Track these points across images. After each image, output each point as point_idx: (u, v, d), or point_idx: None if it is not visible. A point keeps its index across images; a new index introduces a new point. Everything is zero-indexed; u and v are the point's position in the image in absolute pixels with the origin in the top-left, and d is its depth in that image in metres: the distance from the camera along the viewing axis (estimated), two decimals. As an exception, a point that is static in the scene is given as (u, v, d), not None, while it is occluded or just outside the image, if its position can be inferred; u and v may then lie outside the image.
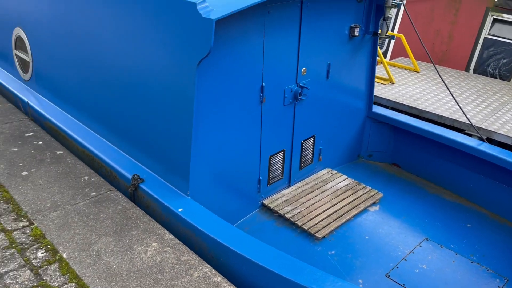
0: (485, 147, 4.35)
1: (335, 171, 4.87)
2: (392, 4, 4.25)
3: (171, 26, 3.16)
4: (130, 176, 3.59)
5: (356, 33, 4.36)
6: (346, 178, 4.75)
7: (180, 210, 3.23)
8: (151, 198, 3.44)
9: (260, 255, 2.82)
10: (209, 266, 2.84)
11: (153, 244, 3.01)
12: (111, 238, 3.05)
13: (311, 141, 4.57)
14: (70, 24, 4.28)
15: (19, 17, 5.18)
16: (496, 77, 7.09)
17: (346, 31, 4.35)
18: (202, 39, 2.93)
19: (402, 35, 6.61)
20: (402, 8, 7.49)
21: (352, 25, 4.33)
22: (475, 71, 7.30)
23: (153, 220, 3.27)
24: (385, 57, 7.63)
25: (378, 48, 6.89)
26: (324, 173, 4.84)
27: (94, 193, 3.53)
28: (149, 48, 3.41)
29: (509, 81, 6.99)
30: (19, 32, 5.23)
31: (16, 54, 5.43)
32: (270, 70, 3.75)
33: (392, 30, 7.52)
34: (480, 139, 4.66)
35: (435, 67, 4.20)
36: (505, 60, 6.90)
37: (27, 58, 5.19)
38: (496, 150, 4.30)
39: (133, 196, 3.59)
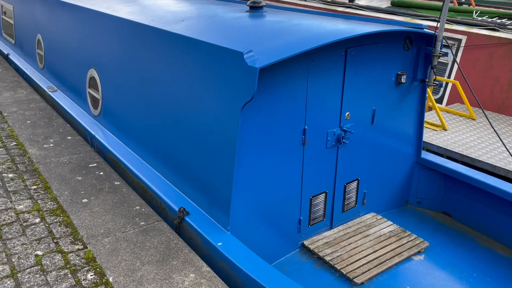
0: (542, 201, 4.13)
1: (380, 216, 4.82)
2: (440, 53, 4.29)
3: (220, 71, 3.45)
4: (177, 209, 3.83)
5: (403, 80, 4.42)
6: (391, 224, 4.67)
7: (219, 244, 3.39)
8: (193, 231, 3.64)
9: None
10: (241, 300, 2.94)
11: (191, 275, 3.17)
12: (154, 266, 3.25)
13: (354, 184, 4.59)
14: (136, 68, 4.75)
15: (94, 59, 5.81)
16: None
17: (393, 78, 4.42)
18: (246, 85, 3.17)
19: (457, 81, 6.51)
20: (460, 53, 7.41)
21: (399, 72, 4.40)
22: (538, 120, 6.94)
23: (193, 252, 3.44)
24: (441, 103, 7.51)
25: (430, 94, 6.82)
26: (369, 217, 4.80)
27: (143, 223, 3.80)
28: (200, 90, 3.72)
29: None
30: (93, 72, 5.84)
31: (89, 92, 6.04)
32: (313, 114, 3.90)
33: (449, 76, 7.42)
34: (538, 192, 4.41)
35: (483, 112, 4.13)
36: None
37: (98, 96, 5.76)
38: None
39: (178, 228, 3.82)
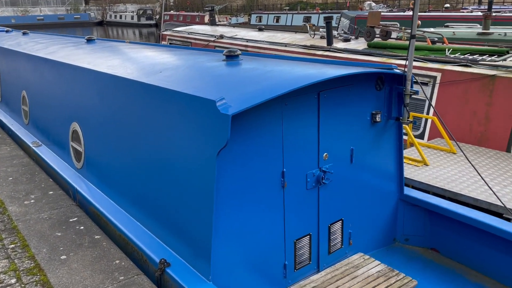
0: (526, 232, 4.12)
1: (368, 256, 4.74)
2: (410, 92, 4.41)
3: (196, 120, 3.51)
4: (158, 260, 3.75)
5: (378, 119, 4.50)
6: (378, 264, 4.60)
7: (200, 295, 3.30)
8: (175, 282, 3.55)
9: None
10: None
11: (171, 330, 3.05)
12: (132, 323, 3.14)
13: (339, 224, 4.56)
14: (116, 119, 4.80)
15: (75, 113, 5.87)
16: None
17: (368, 117, 4.51)
18: (220, 131, 3.21)
19: (435, 117, 6.65)
20: (436, 90, 7.61)
21: (373, 112, 4.49)
22: (518, 151, 7.04)
23: (174, 305, 3.34)
24: (422, 139, 7.62)
25: (409, 130, 6.92)
26: (356, 258, 4.72)
27: (122, 277, 3.70)
28: (177, 139, 3.75)
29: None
30: (75, 126, 5.88)
31: (72, 145, 6.05)
32: (291, 156, 3.93)
33: (428, 112, 7.58)
34: (521, 223, 4.41)
35: (458, 146, 4.19)
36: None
37: (81, 148, 5.77)
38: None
39: (159, 280, 3.72)
